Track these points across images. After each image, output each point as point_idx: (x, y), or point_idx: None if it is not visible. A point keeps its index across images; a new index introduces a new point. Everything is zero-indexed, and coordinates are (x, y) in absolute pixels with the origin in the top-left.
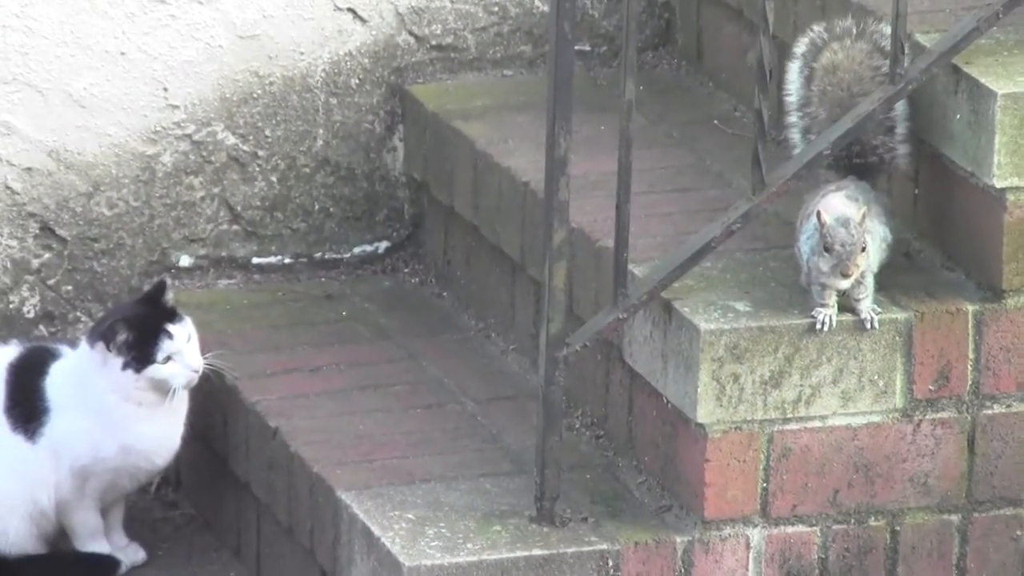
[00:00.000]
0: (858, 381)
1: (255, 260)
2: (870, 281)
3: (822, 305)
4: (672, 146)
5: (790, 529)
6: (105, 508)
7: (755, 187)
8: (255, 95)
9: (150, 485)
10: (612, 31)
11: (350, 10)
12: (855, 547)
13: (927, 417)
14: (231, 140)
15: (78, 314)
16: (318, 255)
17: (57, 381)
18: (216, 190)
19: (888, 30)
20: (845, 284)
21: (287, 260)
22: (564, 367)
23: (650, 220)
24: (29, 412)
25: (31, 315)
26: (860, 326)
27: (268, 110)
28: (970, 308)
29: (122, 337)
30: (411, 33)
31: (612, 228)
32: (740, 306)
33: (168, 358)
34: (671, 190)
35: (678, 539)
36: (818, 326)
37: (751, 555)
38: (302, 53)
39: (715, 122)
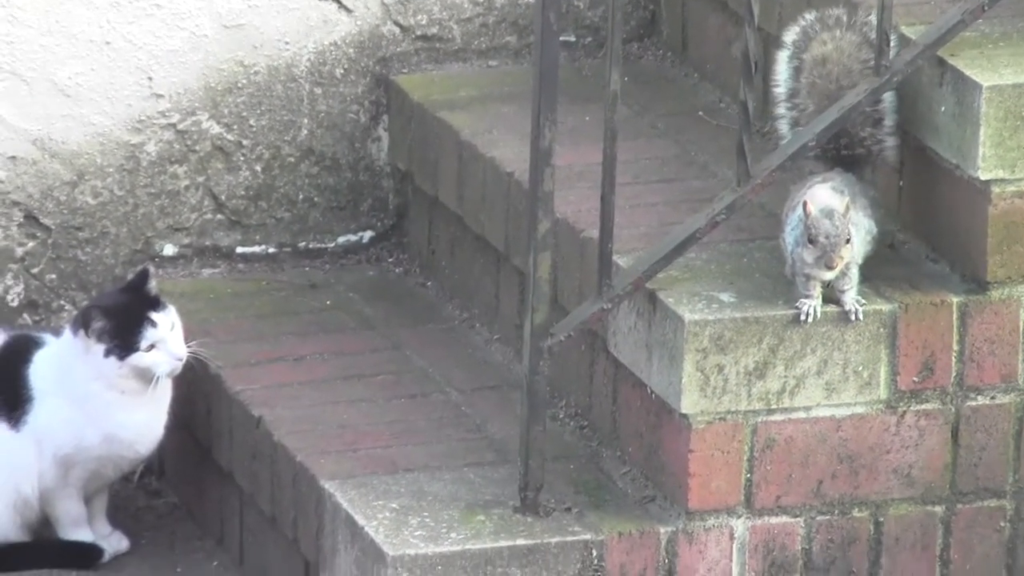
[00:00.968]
0: (842, 372)
1: (239, 249)
2: (855, 272)
3: (806, 296)
4: (657, 137)
5: (774, 520)
6: (88, 496)
7: (740, 178)
8: (240, 84)
9: (133, 473)
10: (597, 22)
11: (335, 0)
12: (839, 538)
13: (911, 408)
14: (216, 129)
15: (62, 303)
16: (302, 245)
17: (40, 369)
18: (200, 179)
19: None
20: (829, 275)
21: (271, 249)
22: (548, 357)
23: (635, 211)
24: (12, 400)
25: (15, 303)
26: (844, 317)
27: (253, 100)
28: (954, 300)
29: (98, 324)
30: (396, 23)
31: (597, 219)
32: (725, 297)
33: (152, 346)
34: (656, 181)
35: (662, 529)
36: (802, 317)
37: (735, 546)
38: (287, 43)
39: (700, 113)
